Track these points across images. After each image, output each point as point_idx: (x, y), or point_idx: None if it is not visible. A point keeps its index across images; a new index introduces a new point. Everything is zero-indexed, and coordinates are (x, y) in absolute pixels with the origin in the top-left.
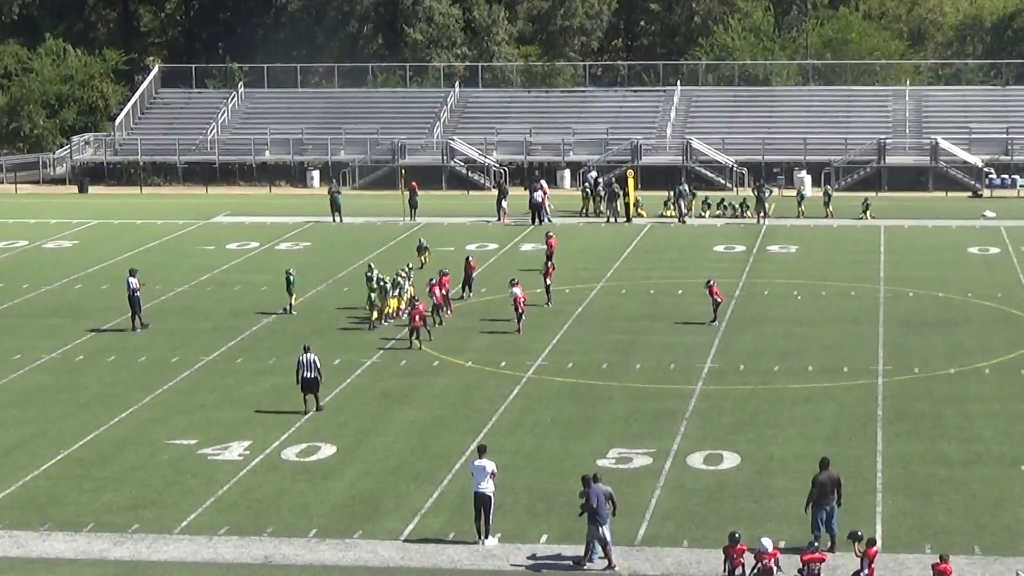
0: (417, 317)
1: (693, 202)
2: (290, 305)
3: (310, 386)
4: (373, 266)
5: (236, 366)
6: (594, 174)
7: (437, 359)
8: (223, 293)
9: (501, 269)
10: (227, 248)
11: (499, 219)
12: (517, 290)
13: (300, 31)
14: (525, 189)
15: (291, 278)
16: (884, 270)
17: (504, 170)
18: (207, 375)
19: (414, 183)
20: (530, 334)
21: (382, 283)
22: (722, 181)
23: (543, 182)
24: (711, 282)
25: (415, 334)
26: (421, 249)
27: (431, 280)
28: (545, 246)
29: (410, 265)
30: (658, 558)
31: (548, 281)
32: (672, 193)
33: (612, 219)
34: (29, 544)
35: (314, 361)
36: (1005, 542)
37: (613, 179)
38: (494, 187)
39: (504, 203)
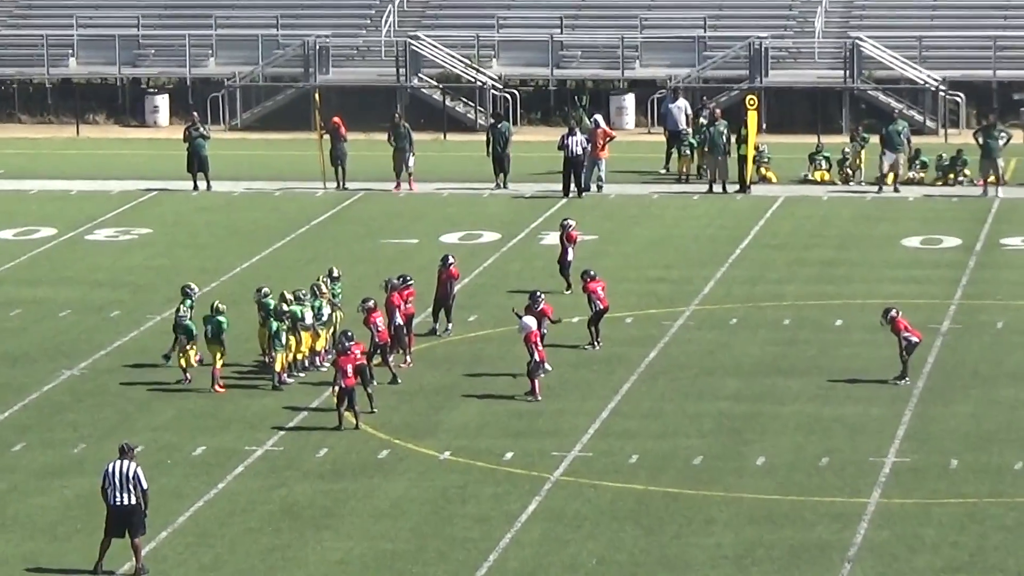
0: (350, 368)
1: (862, 153)
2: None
3: (121, 520)
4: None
5: (12, 458)
6: (681, 104)
7: (387, 445)
8: None
9: (506, 280)
10: None
11: (397, 187)
12: (528, 321)
13: None
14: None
15: (266, 300)
16: None
17: (506, 96)
18: None
19: (337, 119)
20: (559, 401)
21: (288, 305)
22: (917, 117)
23: (599, 118)
24: (895, 312)
25: (346, 400)
26: (216, 314)
27: (366, 304)
28: (558, 245)
29: (336, 272)
30: None
31: (601, 305)
32: (853, 139)
33: (713, 185)
34: None
35: (136, 476)
36: None
37: (715, 111)
38: (389, 133)
39: (410, 160)
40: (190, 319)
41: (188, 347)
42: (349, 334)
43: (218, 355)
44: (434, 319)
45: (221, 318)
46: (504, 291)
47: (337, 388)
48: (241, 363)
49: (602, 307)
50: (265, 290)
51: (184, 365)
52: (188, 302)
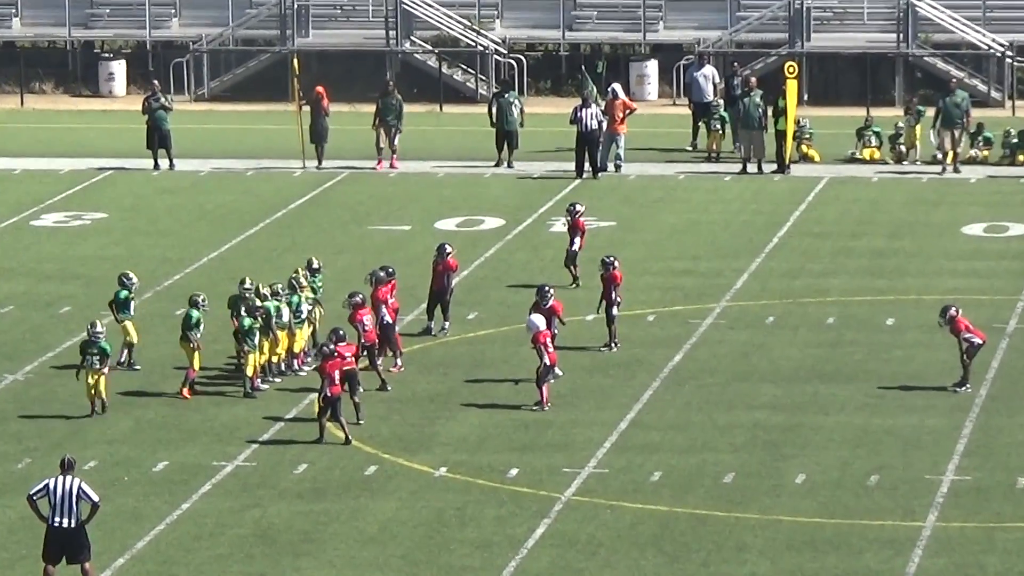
0: (334, 373)
1: (917, 128)
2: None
3: (60, 544)
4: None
5: None
6: (708, 71)
7: (375, 461)
8: None
9: (510, 272)
10: None
11: (378, 164)
12: (536, 319)
13: None
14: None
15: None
16: None
17: (511, 62)
18: None
19: (321, 90)
20: (571, 410)
21: (262, 300)
22: (980, 87)
23: (617, 87)
24: (954, 310)
25: (329, 410)
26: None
27: (353, 299)
28: (567, 231)
29: (316, 264)
30: None
31: (617, 299)
32: (907, 112)
33: (747, 164)
34: None
35: (81, 491)
36: None
37: (749, 80)
38: (377, 105)
39: (396, 135)
40: (106, 339)
41: (101, 370)
42: (341, 333)
43: (192, 354)
44: (429, 317)
45: (193, 311)
46: (508, 285)
47: (322, 397)
48: (209, 366)
49: (618, 300)
50: (249, 284)
51: (92, 394)
52: (124, 293)
